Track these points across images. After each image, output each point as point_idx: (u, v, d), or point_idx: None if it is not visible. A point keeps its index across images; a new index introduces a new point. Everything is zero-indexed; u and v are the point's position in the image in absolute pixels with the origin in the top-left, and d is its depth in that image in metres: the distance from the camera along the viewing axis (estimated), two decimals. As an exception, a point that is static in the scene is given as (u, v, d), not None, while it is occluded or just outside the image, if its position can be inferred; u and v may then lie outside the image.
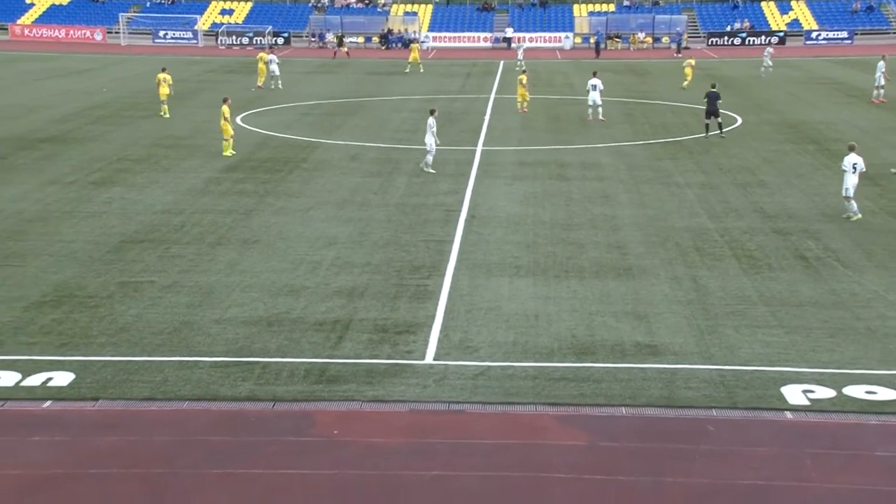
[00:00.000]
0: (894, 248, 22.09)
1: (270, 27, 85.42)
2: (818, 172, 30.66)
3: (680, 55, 76.00)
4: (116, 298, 19.02)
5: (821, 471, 12.41)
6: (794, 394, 14.62)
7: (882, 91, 46.70)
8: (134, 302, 18.80)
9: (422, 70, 63.07)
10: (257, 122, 41.70)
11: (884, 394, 14.47)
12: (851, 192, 24.54)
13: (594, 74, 42.40)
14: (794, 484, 12.11)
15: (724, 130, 37.46)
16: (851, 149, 24.91)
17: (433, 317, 18.10)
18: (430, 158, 31.15)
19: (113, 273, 20.62)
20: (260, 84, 53.48)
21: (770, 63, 58.87)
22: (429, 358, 16.26)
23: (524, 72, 46.68)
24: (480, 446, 13.30)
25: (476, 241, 23.14)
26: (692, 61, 55.06)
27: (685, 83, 53.53)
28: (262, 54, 55.65)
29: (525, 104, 44.18)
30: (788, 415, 14.07)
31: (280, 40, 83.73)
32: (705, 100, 37.31)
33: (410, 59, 64.01)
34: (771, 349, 16.38)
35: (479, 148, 35.73)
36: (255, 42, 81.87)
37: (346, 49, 76.49)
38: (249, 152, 34.51)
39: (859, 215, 24.51)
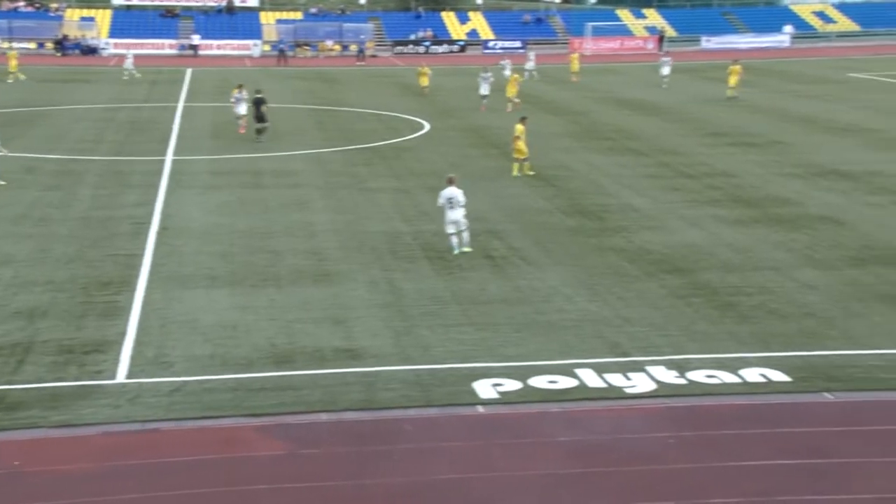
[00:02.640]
0: (569, 245, 23.62)
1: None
2: (501, 175, 32.25)
3: (362, 63, 77.35)
4: None
5: (508, 460, 13.04)
6: (484, 388, 15.27)
7: (485, 101, 48.60)
8: None
9: (20, 78, 58.55)
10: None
11: (564, 382, 15.43)
12: (451, 229, 22.54)
13: (239, 88, 40.77)
14: (485, 475, 12.66)
15: (263, 136, 37.83)
16: (450, 182, 22.71)
17: (124, 334, 17.39)
18: None
19: None
20: None
21: (668, 72, 57.80)
22: (120, 377, 15.61)
23: (423, 71, 45.71)
24: (178, 464, 12.92)
25: (169, 254, 22.46)
26: (737, 67, 51.93)
27: (730, 91, 51.43)
28: None
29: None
30: (480, 409, 14.68)
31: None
32: (252, 106, 38.16)
33: (11, 69, 59.28)
34: (463, 346, 17.04)
35: (169, 158, 34.72)
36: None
37: None
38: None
39: (461, 250, 22.46)
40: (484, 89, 48.87)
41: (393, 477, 12.60)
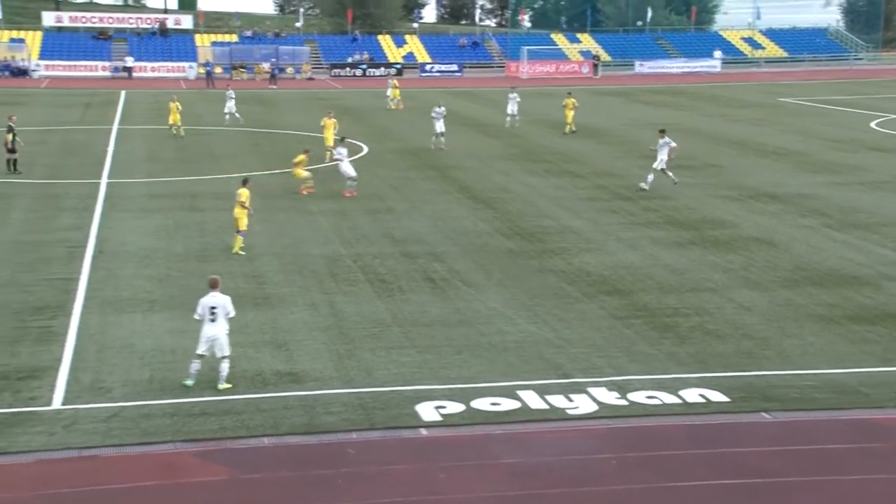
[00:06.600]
0: (509, 267, 23.75)
1: None
2: (440, 197, 32.35)
3: (275, 86, 76.18)
4: None
5: (453, 483, 13.03)
6: (427, 410, 15.26)
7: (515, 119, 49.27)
8: None
9: None
10: None
11: (506, 404, 15.48)
12: (203, 348, 16.14)
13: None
14: (429, 498, 12.63)
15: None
16: (213, 285, 16.52)
17: (60, 359, 17.08)
18: None
19: None
20: None
21: (515, 110, 50.78)
22: (56, 403, 15.31)
23: (173, 107, 44.36)
24: (115, 491, 12.69)
25: (105, 278, 22.12)
26: (572, 100, 48.16)
27: (569, 126, 47.86)
28: None
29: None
30: (423, 431, 14.66)
31: None
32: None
33: None
34: (405, 369, 17.01)
35: (104, 180, 34.25)
36: None
37: None
38: None
39: (188, 380, 16.05)
40: (511, 108, 49.90)
41: (337, 501, 12.51)
